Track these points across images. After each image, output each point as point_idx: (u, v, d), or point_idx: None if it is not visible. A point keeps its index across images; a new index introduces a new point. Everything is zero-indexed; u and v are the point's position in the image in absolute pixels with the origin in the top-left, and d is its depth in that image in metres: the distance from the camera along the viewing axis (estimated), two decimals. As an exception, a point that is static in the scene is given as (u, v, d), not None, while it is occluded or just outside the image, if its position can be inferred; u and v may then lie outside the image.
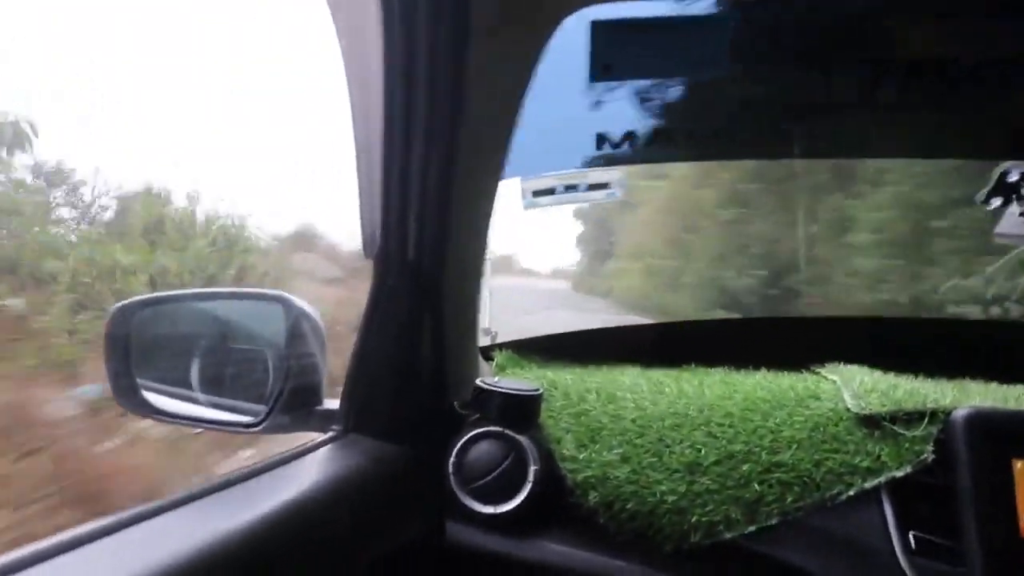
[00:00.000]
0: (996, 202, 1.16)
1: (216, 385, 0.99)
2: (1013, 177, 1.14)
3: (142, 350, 0.97)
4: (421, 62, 0.77)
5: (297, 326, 0.92)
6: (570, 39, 1.05)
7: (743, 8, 1.12)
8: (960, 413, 0.90)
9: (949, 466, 0.88)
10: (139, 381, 0.95)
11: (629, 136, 1.29)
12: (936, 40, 1.17)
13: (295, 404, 0.92)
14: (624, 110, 1.26)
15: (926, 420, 0.92)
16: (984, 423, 0.89)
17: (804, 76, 1.23)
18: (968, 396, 0.97)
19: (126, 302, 0.97)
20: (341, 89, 0.86)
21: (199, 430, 1.04)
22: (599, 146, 1.30)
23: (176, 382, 0.99)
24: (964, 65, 1.20)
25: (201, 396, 0.99)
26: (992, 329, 1.50)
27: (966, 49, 1.18)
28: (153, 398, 0.96)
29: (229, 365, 1.01)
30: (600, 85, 1.16)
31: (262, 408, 0.92)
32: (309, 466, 0.85)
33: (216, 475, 0.76)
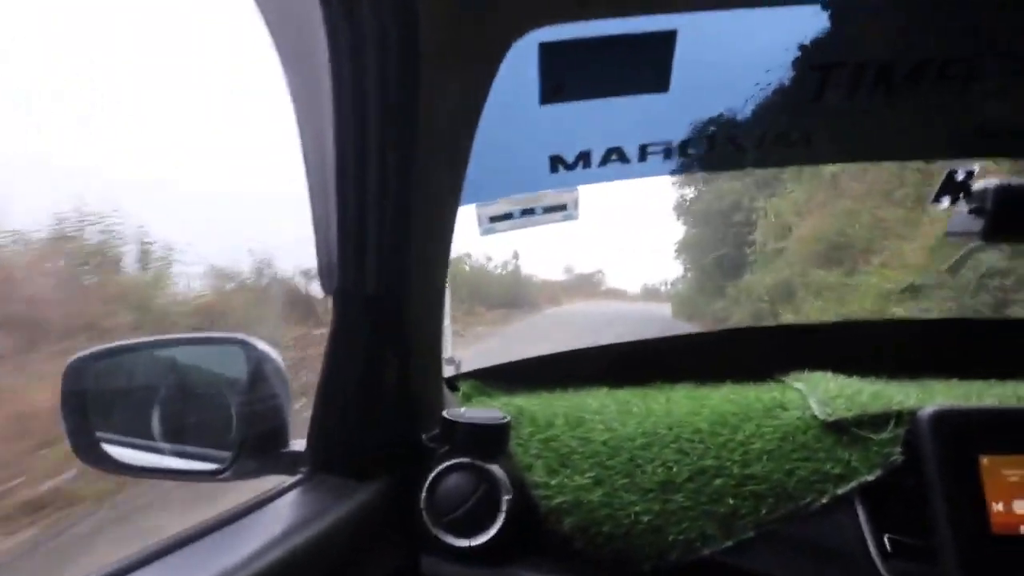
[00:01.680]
0: (946, 202, 1.18)
1: (179, 434, 0.97)
2: (960, 176, 1.16)
3: (100, 403, 0.95)
4: (371, 91, 0.76)
5: (258, 368, 0.90)
6: (519, 62, 1.05)
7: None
8: (925, 413, 0.91)
9: (918, 466, 0.89)
10: (99, 435, 0.93)
11: (583, 156, 1.30)
12: (882, 41, 1.20)
13: (261, 448, 0.90)
14: (577, 130, 1.27)
15: (892, 422, 0.93)
16: (949, 421, 0.90)
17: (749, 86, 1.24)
18: (932, 395, 0.98)
19: (80, 355, 0.94)
20: (291, 126, 0.85)
21: (164, 482, 1.01)
22: (553, 168, 1.31)
23: (138, 433, 0.97)
24: (906, 66, 1.22)
25: (164, 446, 0.96)
26: (950, 326, 1.52)
27: (910, 50, 1.21)
28: (115, 451, 0.94)
29: (191, 413, 0.99)
30: (551, 106, 1.17)
31: (227, 455, 0.90)
32: (278, 511, 0.83)
33: (183, 528, 0.74)
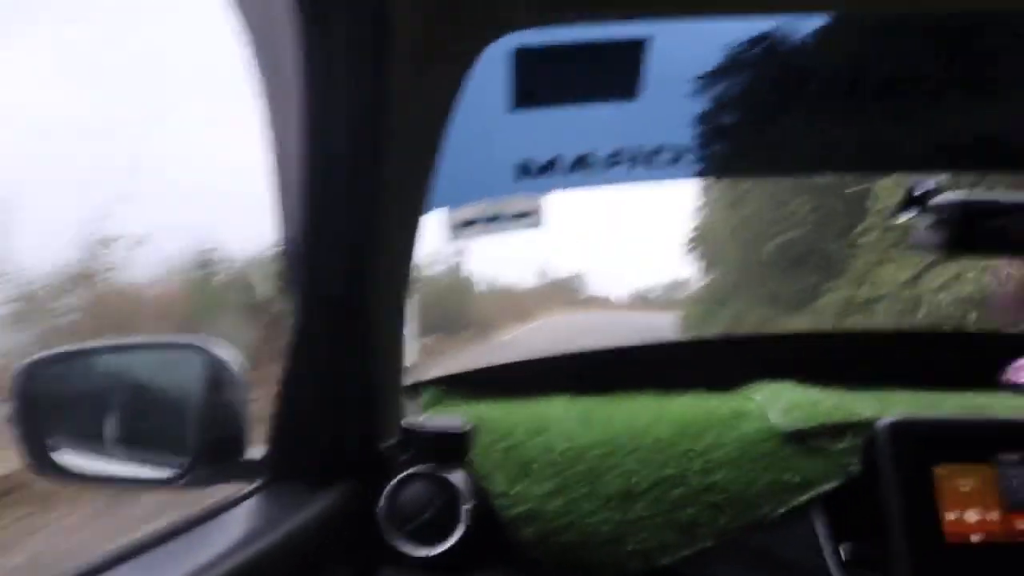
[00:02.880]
0: (907, 214, 1.20)
1: (133, 442, 0.94)
2: (921, 189, 1.18)
3: (52, 409, 0.92)
4: (340, 92, 0.76)
5: (215, 374, 0.88)
6: (489, 67, 1.05)
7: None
8: (882, 423, 0.92)
9: (875, 476, 0.90)
10: (50, 442, 0.90)
11: (551, 163, 1.30)
12: (850, 56, 1.22)
13: (217, 456, 0.88)
14: (547, 136, 1.27)
15: (851, 433, 0.94)
16: (905, 432, 0.91)
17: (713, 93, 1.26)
18: (890, 405, 0.99)
19: (32, 359, 0.92)
20: (256, 123, 0.84)
21: (118, 490, 0.99)
22: (521, 174, 1.31)
23: (90, 441, 0.94)
24: (874, 81, 1.24)
25: (119, 454, 0.94)
26: (908, 337, 1.54)
27: (877, 65, 1.22)
28: (67, 460, 0.91)
29: (147, 419, 0.97)
30: (520, 113, 1.17)
31: (184, 461, 0.88)
32: (235, 520, 0.82)
33: (132, 538, 0.72)
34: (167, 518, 0.78)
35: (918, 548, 0.86)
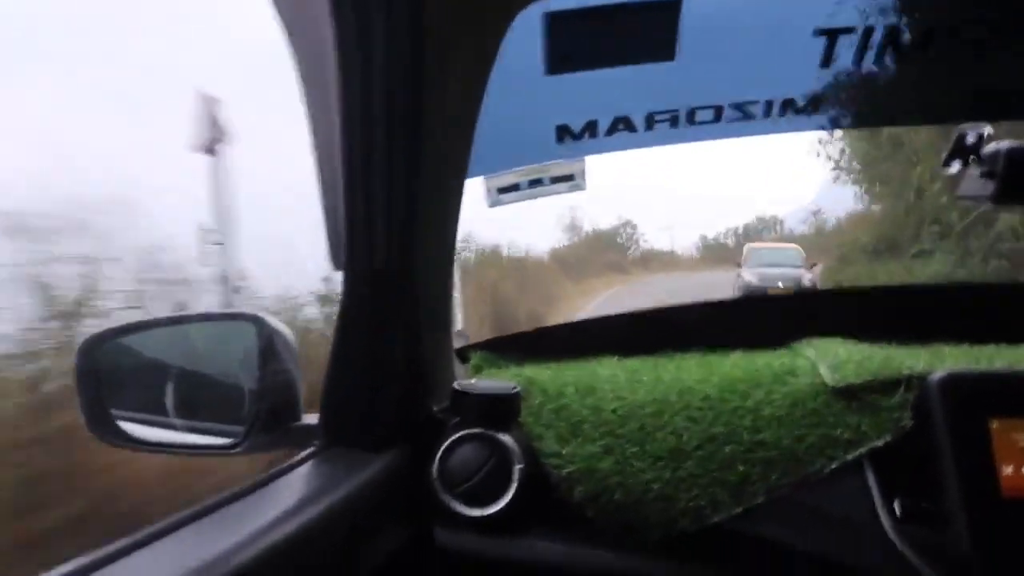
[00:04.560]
0: (956, 165, 1.18)
1: (192, 410, 0.98)
2: (971, 139, 1.15)
3: (114, 380, 0.96)
4: (376, 66, 0.76)
5: (270, 344, 0.91)
6: (524, 33, 1.04)
7: None
8: (935, 377, 0.91)
9: (928, 431, 0.90)
10: (113, 412, 0.94)
11: (590, 125, 1.29)
12: (889, 5, 1.19)
13: (273, 423, 0.91)
14: (582, 99, 1.26)
15: (902, 387, 0.93)
16: (959, 385, 0.90)
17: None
18: (941, 360, 0.98)
19: (95, 333, 0.95)
20: (297, 102, 0.85)
21: (178, 457, 1.03)
22: (560, 138, 1.30)
23: (151, 410, 0.98)
24: (914, 30, 1.21)
25: (177, 422, 0.97)
26: (959, 291, 1.52)
27: (917, 13, 1.19)
28: (129, 427, 0.95)
29: (204, 389, 1.00)
30: (557, 76, 1.16)
31: (240, 429, 0.91)
32: (291, 484, 0.84)
33: (196, 502, 0.75)
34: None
35: (974, 503, 0.85)
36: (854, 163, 18.42)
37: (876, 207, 18.51)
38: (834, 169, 19.05)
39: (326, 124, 0.82)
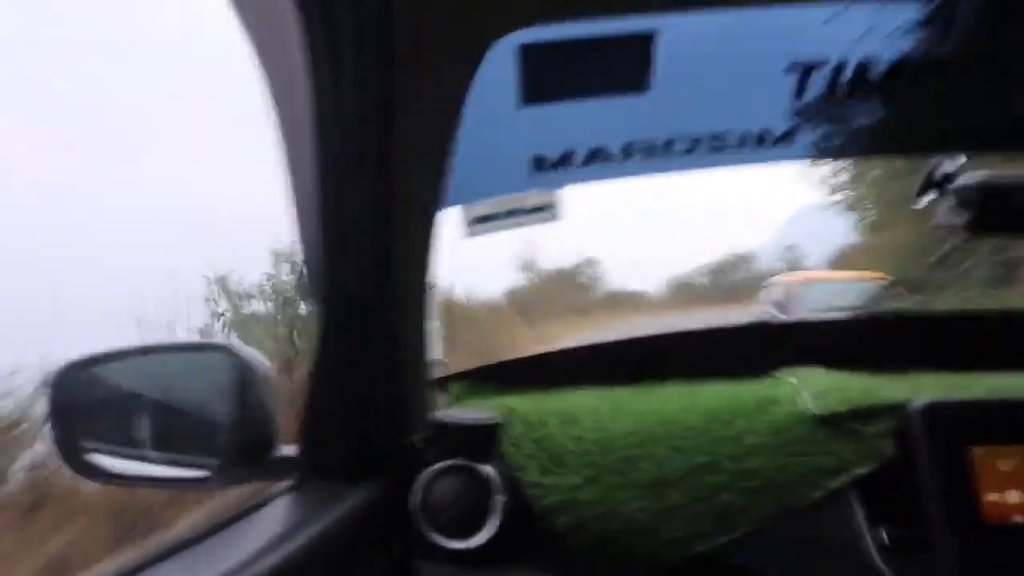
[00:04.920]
0: (930, 196, 1.19)
1: (166, 442, 0.96)
2: (944, 170, 1.17)
3: (86, 412, 0.94)
4: (349, 96, 0.76)
5: (244, 374, 0.90)
6: (500, 62, 1.06)
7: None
8: (916, 406, 0.92)
9: (910, 459, 0.90)
10: (85, 444, 0.92)
11: (567, 156, 1.30)
12: (859, 40, 1.21)
13: (249, 455, 0.90)
14: (558, 130, 1.27)
15: (884, 416, 0.93)
16: (939, 414, 0.91)
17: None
18: (922, 388, 0.99)
19: (66, 364, 0.94)
20: (269, 131, 0.85)
21: (153, 488, 1.01)
22: (536, 168, 1.31)
23: (125, 442, 0.96)
24: (883, 64, 1.24)
25: (152, 454, 0.96)
26: (935, 320, 1.53)
27: (886, 48, 1.22)
28: (102, 461, 0.93)
29: (179, 420, 0.98)
30: (531, 108, 1.17)
31: (216, 461, 0.89)
32: (268, 517, 0.83)
33: (170, 537, 0.74)
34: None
35: (958, 530, 0.85)
36: (858, 185, 17.18)
37: (884, 235, 16.46)
38: (832, 194, 18.15)
39: (300, 154, 0.82)
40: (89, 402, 0.95)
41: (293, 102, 0.77)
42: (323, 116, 0.76)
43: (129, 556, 0.74)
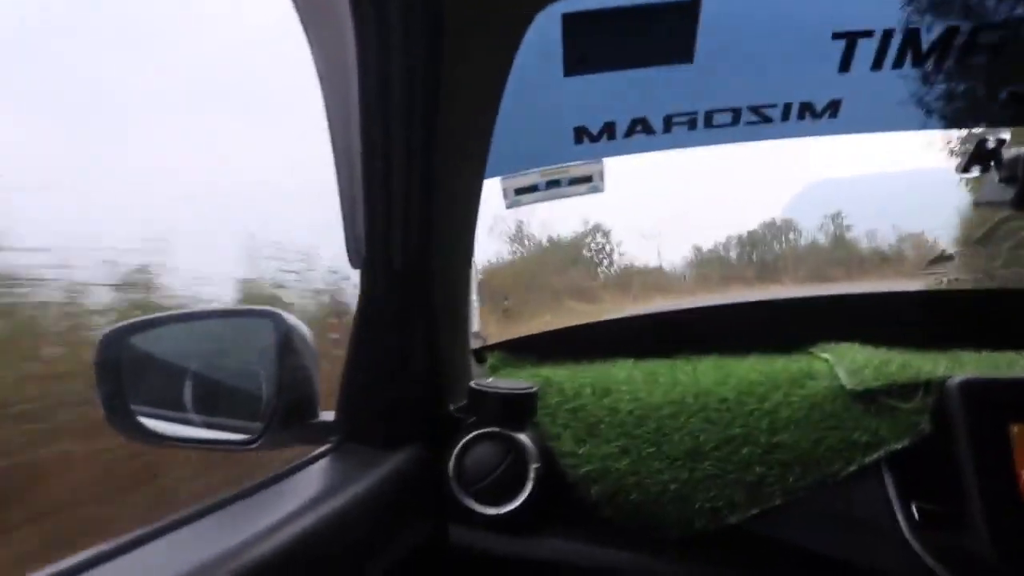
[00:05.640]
0: (976, 170, 1.17)
1: (210, 405, 0.99)
2: (990, 145, 1.15)
3: (134, 375, 0.96)
4: (396, 65, 0.76)
5: (288, 340, 0.91)
6: (543, 34, 1.05)
7: None
8: (955, 382, 0.91)
9: (947, 435, 0.89)
10: (132, 407, 0.94)
11: (608, 127, 1.29)
12: (908, 7, 1.18)
13: (291, 418, 0.91)
14: (601, 101, 1.26)
15: (921, 392, 0.93)
16: (979, 391, 0.90)
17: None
18: (960, 365, 0.98)
19: (114, 327, 0.96)
20: (317, 100, 0.85)
21: (196, 451, 1.03)
22: (578, 139, 1.30)
23: (170, 404, 0.98)
24: (933, 33, 1.21)
25: (196, 417, 0.98)
26: (978, 297, 1.51)
27: (936, 16, 1.19)
28: (148, 422, 0.95)
29: (222, 384, 1.01)
30: (575, 77, 1.16)
31: (258, 425, 0.91)
32: (308, 479, 0.84)
33: (215, 495, 0.75)
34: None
35: (994, 507, 0.85)
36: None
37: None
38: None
39: (345, 126, 0.82)
40: (137, 365, 0.97)
41: (342, 76, 0.77)
42: (369, 87, 0.77)
43: (172, 514, 0.76)
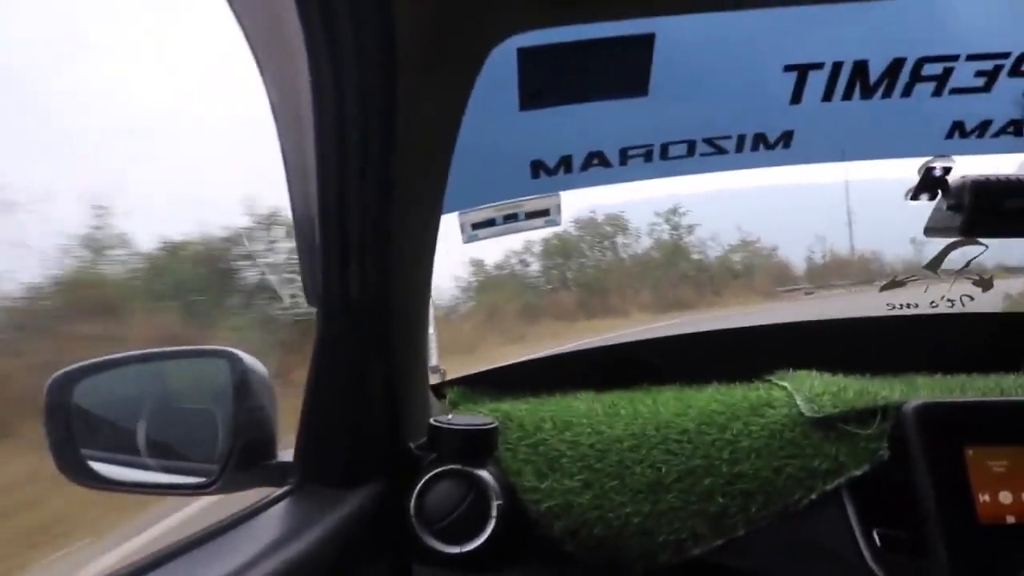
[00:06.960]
0: (923, 198, 1.19)
1: (165, 448, 0.96)
2: (937, 172, 1.17)
3: (84, 419, 0.94)
4: (351, 105, 0.76)
5: (244, 380, 0.90)
6: (498, 68, 1.05)
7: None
8: (910, 407, 0.92)
9: (905, 460, 0.90)
10: (83, 452, 0.92)
11: (564, 161, 1.30)
12: (856, 40, 1.21)
13: (248, 460, 0.90)
14: (557, 135, 1.27)
15: (879, 417, 0.94)
16: (934, 415, 0.91)
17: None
18: (915, 390, 0.99)
19: (64, 370, 0.93)
20: (272, 137, 0.85)
21: (151, 495, 1.00)
22: (535, 174, 1.31)
23: (123, 448, 0.96)
24: (880, 64, 1.24)
25: (151, 461, 0.95)
26: (930, 322, 1.54)
27: (883, 48, 1.22)
28: (100, 467, 0.93)
29: (177, 427, 0.98)
30: (531, 111, 1.17)
31: (215, 468, 0.89)
32: (267, 522, 0.83)
33: (171, 542, 0.73)
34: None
35: (952, 530, 0.86)
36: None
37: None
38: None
39: (301, 159, 0.82)
40: (88, 409, 0.94)
41: (295, 110, 0.77)
42: (324, 123, 0.76)
43: (129, 561, 0.74)
